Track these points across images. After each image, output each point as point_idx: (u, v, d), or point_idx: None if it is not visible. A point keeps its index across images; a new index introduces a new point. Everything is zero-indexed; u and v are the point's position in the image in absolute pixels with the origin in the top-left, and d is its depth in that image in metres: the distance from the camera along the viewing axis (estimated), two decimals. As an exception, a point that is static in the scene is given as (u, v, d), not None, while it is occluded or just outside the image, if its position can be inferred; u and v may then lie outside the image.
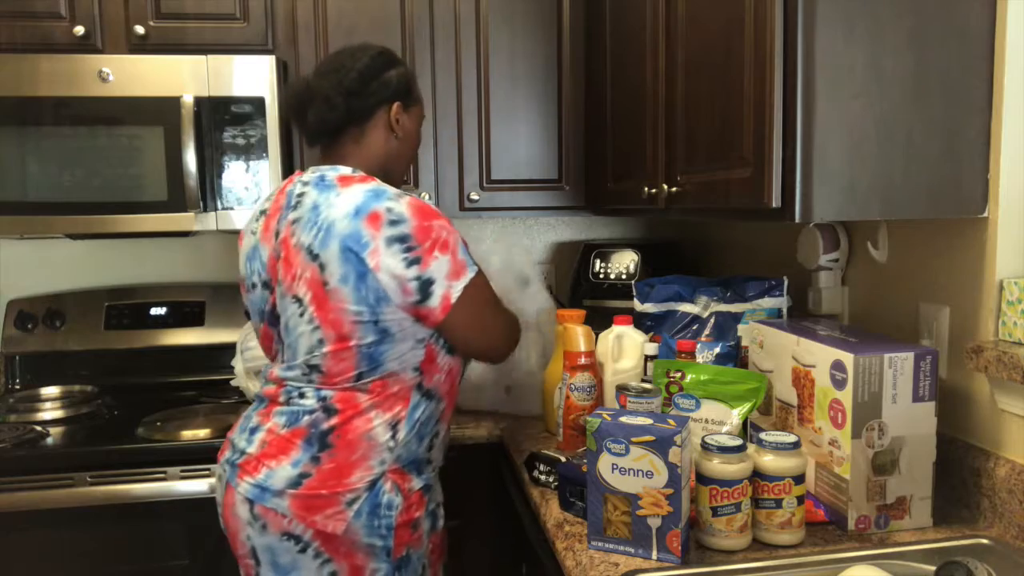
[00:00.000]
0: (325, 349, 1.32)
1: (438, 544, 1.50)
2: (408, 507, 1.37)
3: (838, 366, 1.22)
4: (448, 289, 1.31)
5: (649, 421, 1.15)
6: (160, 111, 1.95)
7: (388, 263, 1.28)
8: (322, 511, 1.32)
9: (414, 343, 1.35)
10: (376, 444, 1.34)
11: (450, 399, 1.46)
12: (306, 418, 1.35)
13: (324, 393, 1.35)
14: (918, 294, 1.44)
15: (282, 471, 1.33)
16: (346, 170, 1.39)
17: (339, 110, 1.40)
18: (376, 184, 1.35)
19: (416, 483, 1.40)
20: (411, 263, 1.29)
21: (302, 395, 1.36)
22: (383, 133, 1.45)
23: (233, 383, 2.04)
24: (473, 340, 1.40)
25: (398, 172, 1.51)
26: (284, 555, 1.34)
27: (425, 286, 1.30)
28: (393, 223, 1.29)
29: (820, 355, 1.27)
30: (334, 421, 1.34)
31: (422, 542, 1.42)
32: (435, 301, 1.31)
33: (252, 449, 1.37)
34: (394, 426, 1.35)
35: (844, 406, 1.21)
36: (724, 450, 1.16)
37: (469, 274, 1.33)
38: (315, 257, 1.31)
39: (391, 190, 1.34)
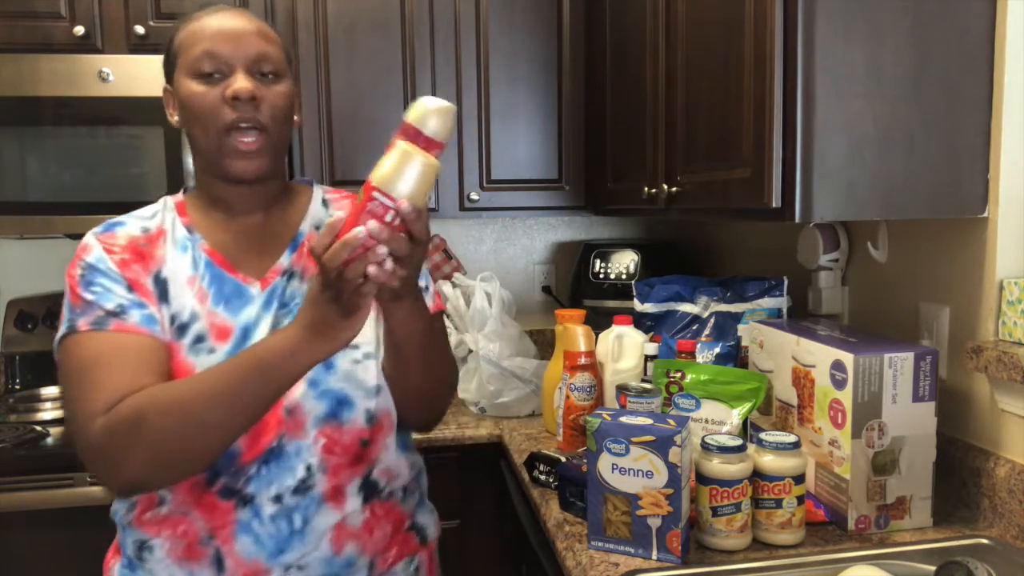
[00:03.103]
0: None
1: None
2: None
3: (838, 366, 1.22)
4: (55, 343, 1.13)
5: (649, 421, 1.15)
6: (160, 111, 1.90)
7: None
8: None
9: None
10: None
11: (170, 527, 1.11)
12: None
13: None
14: (918, 294, 1.44)
15: None
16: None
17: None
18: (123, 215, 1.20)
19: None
20: None
21: None
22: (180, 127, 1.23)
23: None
24: None
25: (204, 145, 1.16)
26: None
27: None
28: None
29: (820, 355, 1.26)
30: None
31: None
32: None
33: None
34: None
35: (844, 406, 1.21)
36: (724, 450, 1.16)
37: (61, 331, 1.11)
38: None
39: (105, 223, 1.17)
